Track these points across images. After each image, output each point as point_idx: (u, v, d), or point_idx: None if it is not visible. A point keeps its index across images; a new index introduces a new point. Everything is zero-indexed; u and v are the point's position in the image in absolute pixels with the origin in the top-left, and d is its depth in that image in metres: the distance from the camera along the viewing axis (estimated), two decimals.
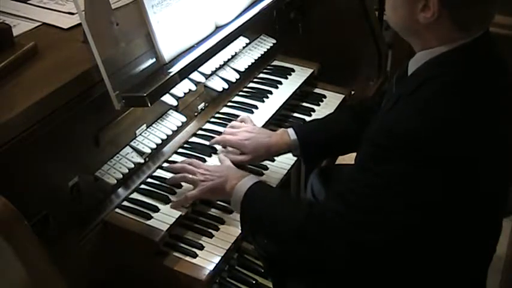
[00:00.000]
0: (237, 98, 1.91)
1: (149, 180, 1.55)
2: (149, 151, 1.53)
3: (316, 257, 1.24)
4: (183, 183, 1.51)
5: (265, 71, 2.07)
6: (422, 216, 1.13)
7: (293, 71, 2.07)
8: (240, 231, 1.44)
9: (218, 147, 1.66)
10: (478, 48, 1.14)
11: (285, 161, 1.68)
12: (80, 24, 1.39)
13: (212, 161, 1.62)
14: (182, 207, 1.45)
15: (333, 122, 1.69)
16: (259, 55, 1.98)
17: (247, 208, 1.35)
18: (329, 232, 1.19)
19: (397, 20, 1.20)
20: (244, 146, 1.58)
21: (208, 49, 1.52)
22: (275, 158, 1.67)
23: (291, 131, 1.61)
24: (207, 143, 1.69)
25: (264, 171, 1.65)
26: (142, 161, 1.51)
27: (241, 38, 1.83)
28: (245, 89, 1.96)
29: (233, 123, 1.70)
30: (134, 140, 1.53)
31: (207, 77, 1.71)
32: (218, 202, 1.53)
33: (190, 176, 1.47)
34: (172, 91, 1.53)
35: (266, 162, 1.67)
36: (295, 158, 1.68)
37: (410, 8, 1.13)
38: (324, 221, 1.20)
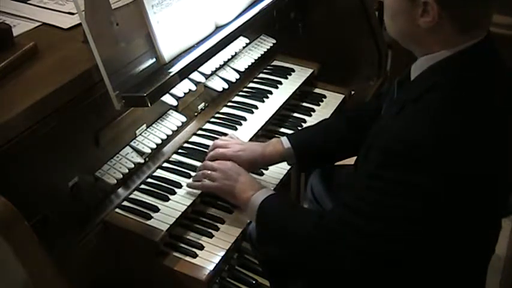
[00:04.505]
0: (237, 98, 1.91)
1: (149, 180, 1.55)
2: (149, 151, 1.53)
3: (326, 267, 1.24)
4: (182, 183, 1.52)
5: (265, 71, 2.07)
6: (428, 224, 1.13)
7: (293, 71, 2.07)
8: (240, 231, 1.45)
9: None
10: (481, 51, 1.13)
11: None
12: (80, 24, 1.39)
13: None
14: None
15: (328, 130, 1.65)
16: (259, 55, 1.98)
17: (262, 221, 1.37)
18: (338, 242, 1.18)
19: (398, 28, 1.18)
20: (239, 156, 1.55)
21: (208, 49, 1.52)
22: None
23: (284, 139, 1.59)
24: (207, 142, 1.69)
25: (264, 171, 1.65)
26: (142, 161, 1.51)
27: (241, 38, 1.83)
28: (245, 89, 1.96)
29: (220, 139, 1.65)
30: (134, 140, 1.53)
31: (207, 77, 1.71)
32: (218, 202, 1.53)
33: (209, 171, 1.49)
34: (172, 91, 1.53)
35: None
36: None
37: (409, 14, 1.12)
38: (333, 231, 1.19)
